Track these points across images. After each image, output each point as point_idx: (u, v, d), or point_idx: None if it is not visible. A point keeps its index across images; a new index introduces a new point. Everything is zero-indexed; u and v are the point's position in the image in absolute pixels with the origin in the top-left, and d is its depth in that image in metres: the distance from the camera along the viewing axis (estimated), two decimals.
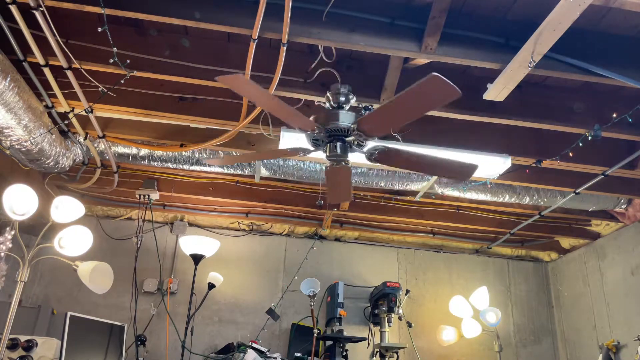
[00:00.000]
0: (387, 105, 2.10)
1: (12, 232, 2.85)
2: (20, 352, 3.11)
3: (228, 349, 4.30)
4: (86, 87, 2.96)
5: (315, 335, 3.93)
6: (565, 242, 5.08)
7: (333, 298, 4.40)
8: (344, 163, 2.48)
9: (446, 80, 1.80)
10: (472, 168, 2.48)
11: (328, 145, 2.38)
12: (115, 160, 3.78)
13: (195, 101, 3.21)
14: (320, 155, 2.54)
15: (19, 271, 2.86)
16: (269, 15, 2.31)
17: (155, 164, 3.73)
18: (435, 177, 3.76)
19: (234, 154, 3.67)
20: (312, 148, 2.47)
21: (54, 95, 3.04)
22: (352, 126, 2.31)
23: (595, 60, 2.52)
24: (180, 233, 4.95)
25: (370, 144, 2.46)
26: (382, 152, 2.47)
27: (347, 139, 2.36)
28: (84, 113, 3.14)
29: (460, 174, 2.60)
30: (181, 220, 5.06)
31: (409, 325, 4.59)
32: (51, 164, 3.39)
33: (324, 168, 3.70)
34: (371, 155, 2.49)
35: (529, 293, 5.38)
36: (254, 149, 3.54)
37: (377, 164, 3.50)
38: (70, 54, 2.67)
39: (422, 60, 2.71)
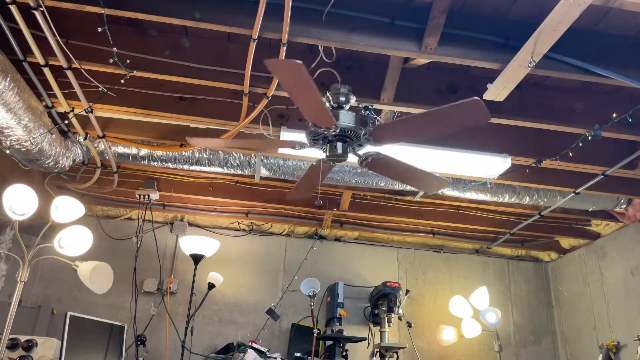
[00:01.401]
0: (414, 117, 2.11)
1: (12, 232, 2.85)
2: (20, 352, 3.11)
3: (228, 349, 4.30)
4: (86, 87, 2.96)
5: (315, 335, 3.93)
6: (565, 242, 5.08)
7: (333, 298, 4.40)
8: (332, 163, 2.50)
9: (484, 106, 1.82)
10: (443, 182, 2.79)
11: (329, 144, 2.38)
12: (115, 160, 3.78)
13: (195, 101, 3.21)
14: (313, 152, 2.53)
15: (19, 271, 2.86)
16: (269, 15, 2.30)
17: (155, 164, 3.73)
18: None
19: (234, 154, 3.67)
20: (308, 144, 2.47)
21: (54, 95, 3.04)
22: (365, 130, 2.32)
23: (595, 60, 2.52)
24: (180, 233, 4.95)
25: (366, 148, 2.47)
26: (374, 159, 2.49)
27: (352, 140, 2.36)
28: (84, 113, 3.14)
29: (432, 186, 2.86)
30: (181, 220, 5.06)
31: (409, 325, 4.59)
32: (51, 164, 3.39)
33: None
34: (364, 161, 2.51)
35: (529, 293, 5.38)
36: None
37: None
38: (70, 54, 2.67)
39: (422, 60, 2.71)
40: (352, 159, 2.54)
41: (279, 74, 1.98)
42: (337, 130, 2.30)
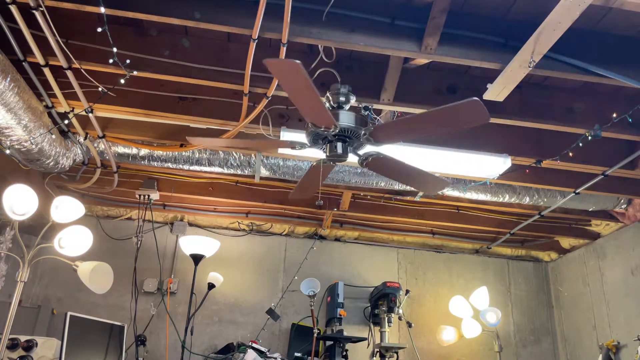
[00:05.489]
0: (413, 118, 2.11)
1: (12, 232, 2.85)
2: (20, 352, 3.11)
3: (228, 349, 4.30)
4: (86, 87, 2.96)
5: (315, 335, 3.93)
6: (565, 242, 5.08)
7: (333, 298, 4.40)
8: (332, 163, 2.50)
9: (484, 106, 1.82)
10: (443, 183, 2.78)
11: (329, 144, 2.38)
12: (115, 160, 3.77)
13: (195, 101, 3.21)
14: (313, 152, 2.53)
15: (19, 271, 2.86)
16: (269, 15, 2.30)
17: (155, 164, 3.73)
18: None
19: (234, 154, 3.67)
20: (308, 144, 2.47)
21: (54, 95, 3.04)
22: (365, 130, 2.32)
23: (595, 60, 2.52)
24: (180, 233, 4.95)
25: (367, 148, 2.47)
26: (374, 159, 2.50)
27: (352, 140, 2.36)
28: (84, 113, 3.13)
29: (433, 187, 2.87)
30: (181, 220, 5.06)
31: (409, 325, 4.59)
32: (51, 164, 3.39)
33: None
34: (364, 161, 2.53)
35: (529, 293, 5.38)
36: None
37: None
38: (70, 54, 2.67)
39: (422, 60, 2.71)
40: (352, 158, 2.55)
41: (278, 73, 1.98)
42: (337, 130, 2.30)
